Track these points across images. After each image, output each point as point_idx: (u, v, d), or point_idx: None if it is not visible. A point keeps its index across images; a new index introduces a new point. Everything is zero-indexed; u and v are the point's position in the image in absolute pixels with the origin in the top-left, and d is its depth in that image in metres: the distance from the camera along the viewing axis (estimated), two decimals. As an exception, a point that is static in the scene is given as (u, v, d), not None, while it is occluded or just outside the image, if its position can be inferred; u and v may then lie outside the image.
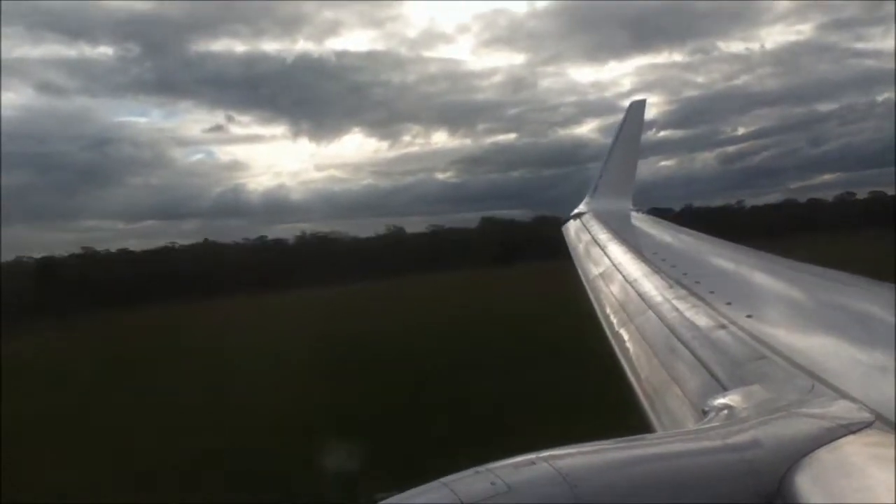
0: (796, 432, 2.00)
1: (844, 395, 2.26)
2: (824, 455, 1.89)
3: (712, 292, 3.90)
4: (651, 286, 4.53)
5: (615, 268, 5.55)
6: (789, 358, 2.72)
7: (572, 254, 7.43)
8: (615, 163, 10.38)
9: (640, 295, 4.47)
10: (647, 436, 2.55)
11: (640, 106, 11.34)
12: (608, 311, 4.70)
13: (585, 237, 7.72)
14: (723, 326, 3.31)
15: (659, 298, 4.18)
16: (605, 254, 6.27)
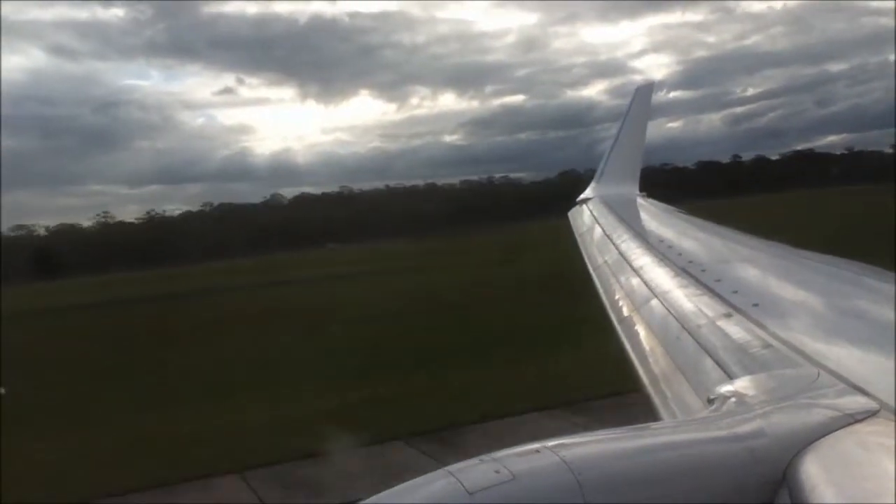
0: (801, 421, 2.00)
1: (849, 384, 2.26)
2: (829, 444, 1.89)
3: (719, 280, 3.88)
4: (657, 274, 4.51)
5: (621, 255, 5.54)
6: (795, 347, 2.72)
7: (578, 240, 7.40)
8: (622, 147, 10.30)
9: (646, 283, 4.46)
10: (652, 424, 2.56)
11: (647, 89, 11.23)
12: (614, 298, 4.69)
13: (591, 223, 7.68)
14: (729, 315, 3.30)
15: (665, 286, 4.17)
16: (611, 241, 6.25)
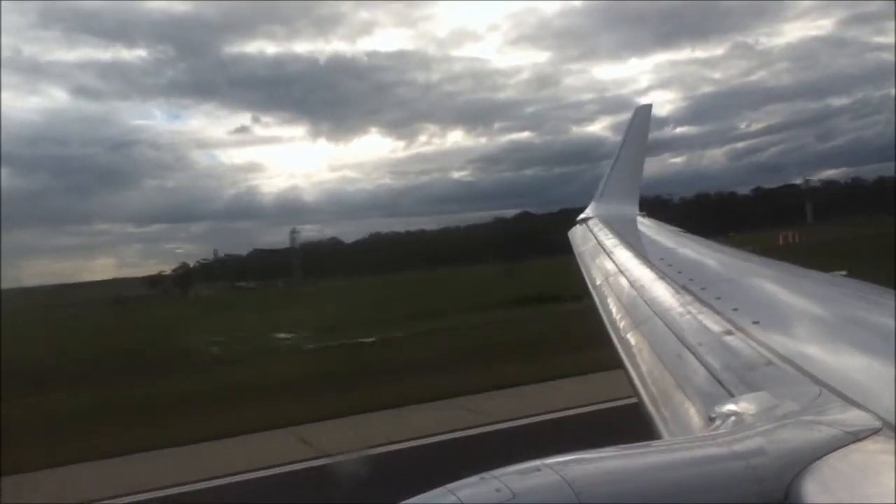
0: (803, 439, 1.99)
1: (852, 402, 2.25)
2: (831, 462, 1.88)
3: (719, 298, 3.88)
4: (657, 292, 4.51)
5: (621, 273, 5.53)
6: (796, 364, 2.71)
7: (578, 259, 7.40)
8: (621, 167, 10.34)
9: (646, 301, 4.45)
10: (653, 442, 2.54)
11: (646, 110, 11.30)
12: (613, 316, 4.68)
13: (591, 242, 7.69)
14: (729, 332, 3.29)
15: (665, 304, 4.16)
16: (611, 259, 6.25)
